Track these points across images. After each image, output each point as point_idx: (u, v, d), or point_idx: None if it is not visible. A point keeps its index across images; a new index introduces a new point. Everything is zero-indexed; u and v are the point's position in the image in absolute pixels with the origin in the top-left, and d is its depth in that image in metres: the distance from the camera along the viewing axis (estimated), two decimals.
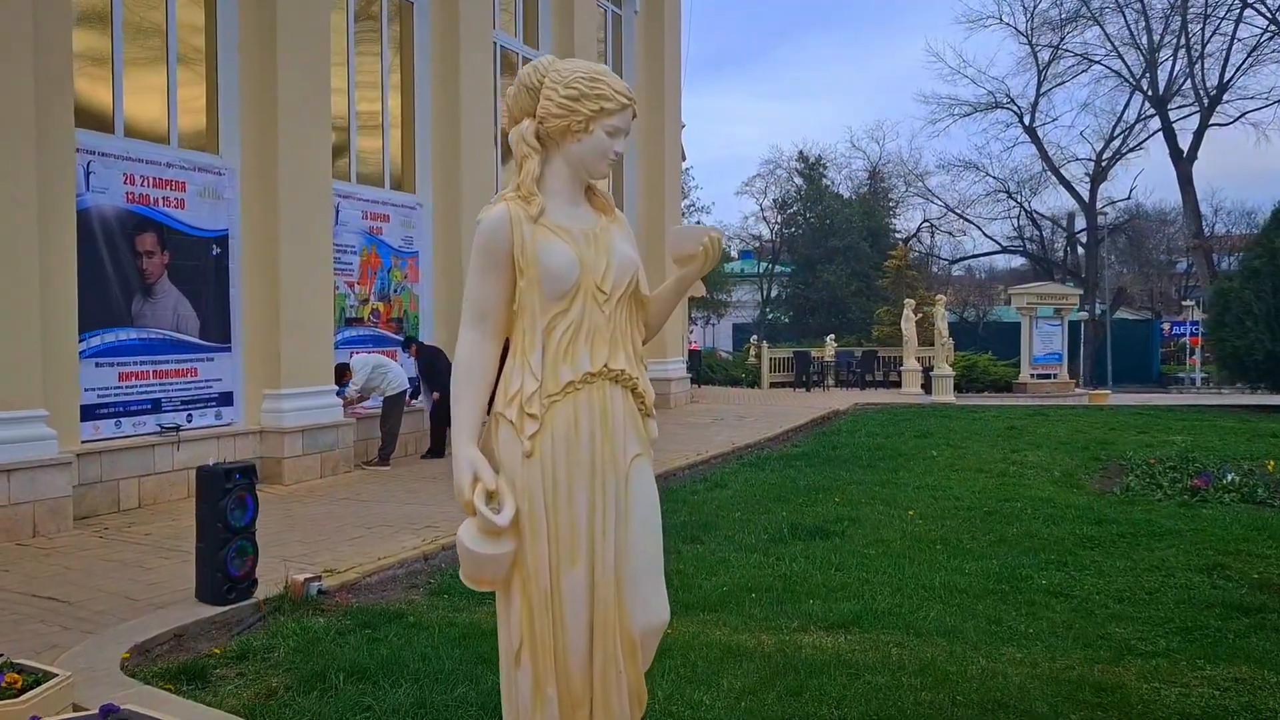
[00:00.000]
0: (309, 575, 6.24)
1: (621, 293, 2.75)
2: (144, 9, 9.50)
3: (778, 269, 49.59)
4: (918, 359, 24.54)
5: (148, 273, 9.25)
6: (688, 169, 43.30)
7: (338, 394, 10.97)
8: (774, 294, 49.67)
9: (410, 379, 11.99)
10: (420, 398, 12.54)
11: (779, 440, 14.83)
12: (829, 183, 49.92)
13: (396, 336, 12.45)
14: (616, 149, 2.75)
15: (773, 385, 27.00)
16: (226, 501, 5.82)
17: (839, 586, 6.44)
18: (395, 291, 12.55)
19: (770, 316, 49.22)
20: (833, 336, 29.80)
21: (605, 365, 2.73)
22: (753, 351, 30.37)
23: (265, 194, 10.13)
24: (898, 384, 25.53)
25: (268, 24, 10.07)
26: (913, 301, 25.00)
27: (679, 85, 19.78)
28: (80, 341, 8.56)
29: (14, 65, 7.68)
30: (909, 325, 23.91)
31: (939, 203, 48.74)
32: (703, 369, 26.81)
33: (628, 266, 2.77)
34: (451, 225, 12.99)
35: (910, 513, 8.88)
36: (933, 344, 23.83)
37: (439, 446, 12.01)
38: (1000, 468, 11.72)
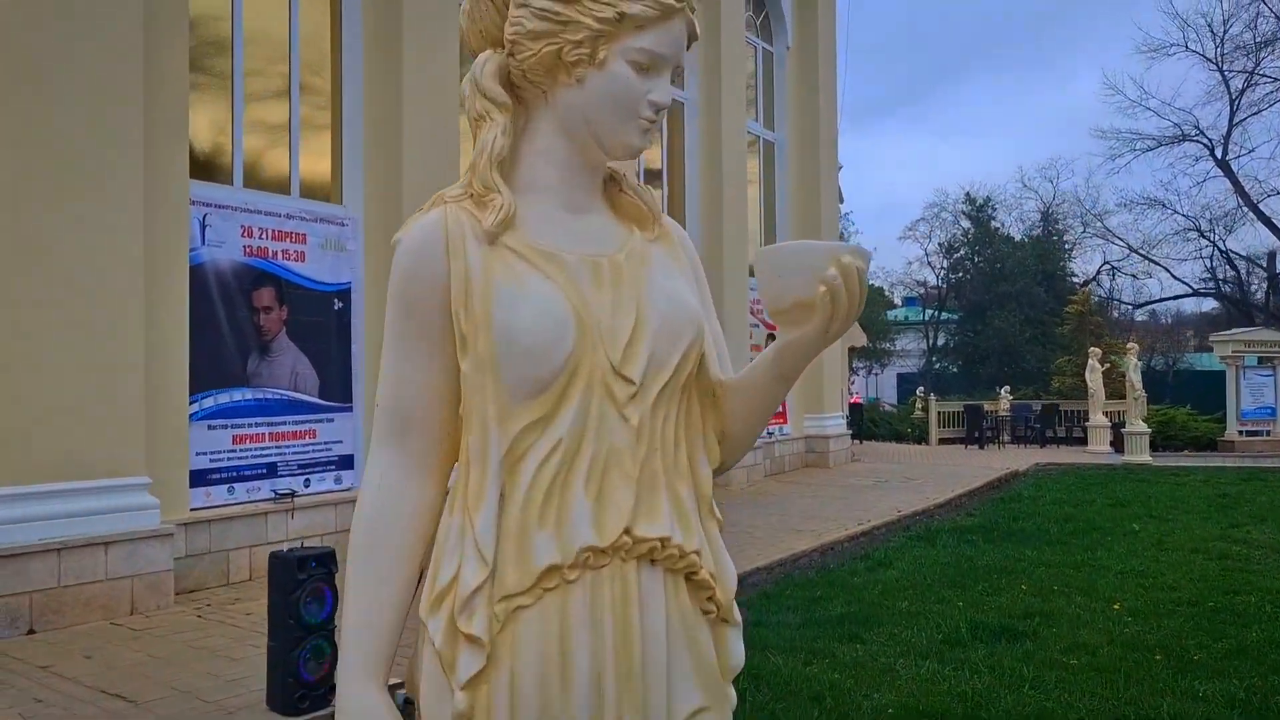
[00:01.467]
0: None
1: (667, 380, 1.49)
2: (265, 58, 9.16)
3: (945, 316, 47.33)
4: (1104, 413, 22.33)
5: (265, 329, 8.78)
6: (847, 213, 41.97)
7: None
8: (941, 342, 47.36)
9: None
10: None
11: (951, 507, 13.33)
12: (999, 225, 47.47)
13: None
14: (655, 97, 1.50)
15: (942, 441, 25.14)
16: (300, 594, 5.03)
17: (1037, 715, 5.13)
18: None
19: (938, 366, 46.89)
20: (1007, 389, 27.65)
21: (628, 530, 1.45)
22: (919, 405, 28.55)
23: (390, 246, 9.55)
24: (1082, 441, 23.31)
25: (393, 71, 9.58)
26: (1098, 351, 22.82)
27: (835, 124, 18.67)
28: (192, 403, 8.10)
29: (125, 116, 7.32)
30: (1094, 376, 21.77)
31: (1120, 243, 45.44)
32: (864, 424, 25.25)
33: (679, 327, 1.51)
34: None
35: (1115, 606, 7.42)
36: (1121, 396, 21.63)
37: None
38: (1220, 547, 9.96)
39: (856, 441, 22.18)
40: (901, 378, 49.00)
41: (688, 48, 1.55)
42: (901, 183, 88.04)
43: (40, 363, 6.82)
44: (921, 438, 25.93)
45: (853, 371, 40.17)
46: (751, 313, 16.10)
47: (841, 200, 23.53)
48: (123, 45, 7.32)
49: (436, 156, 9.84)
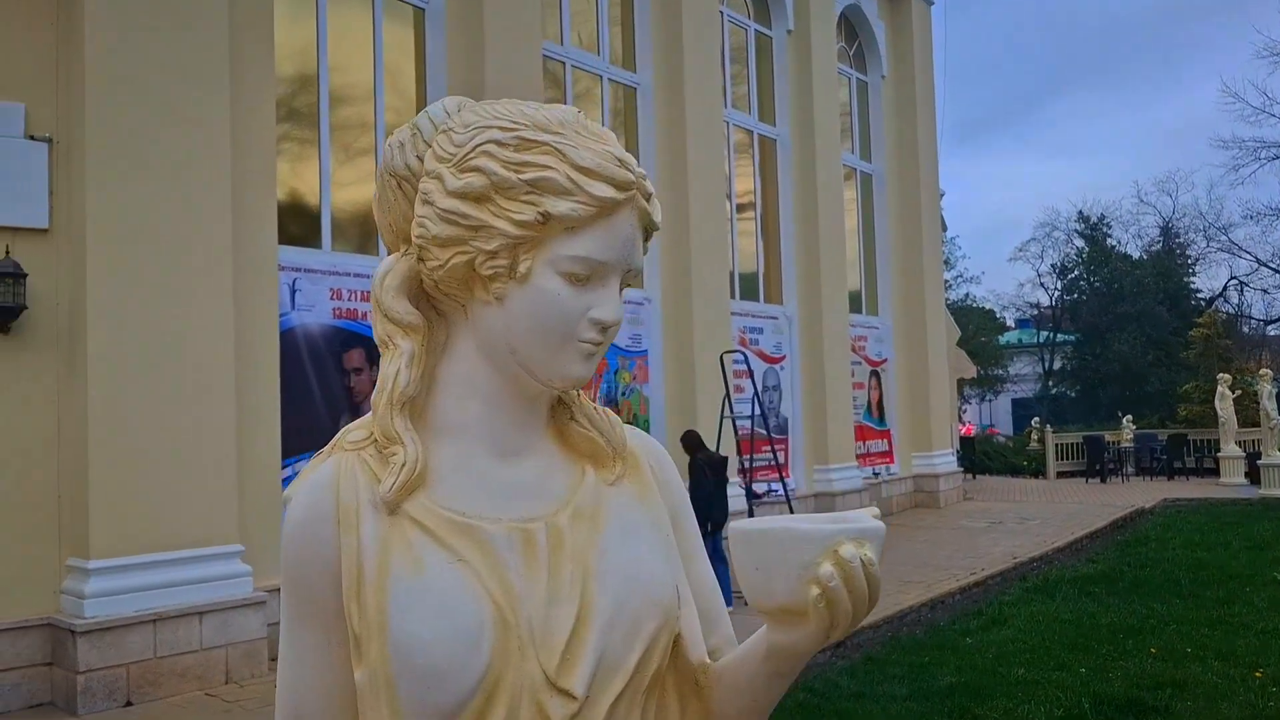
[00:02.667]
0: None
1: (624, 688, 1.13)
2: (350, 123, 9.26)
3: (1060, 338, 45.64)
4: (1237, 443, 21.03)
5: (356, 391, 8.79)
6: (952, 238, 40.95)
7: None
8: (1057, 366, 45.63)
9: None
10: None
11: (1071, 552, 12.61)
12: (1115, 243, 45.65)
13: None
14: (597, 313, 1.15)
15: (1060, 475, 24.04)
16: None
17: None
18: (623, 394, 11.67)
19: (1054, 390, 45.16)
20: (1129, 418, 26.35)
21: None
22: (1035, 436, 27.43)
23: None
24: (1214, 472, 21.99)
25: None
26: (1228, 377, 21.54)
27: (935, 152, 18.14)
28: (284, 468, 8.13)
29: (212, 182, 7.44)
30: (1225, 404, 20.55)
31: (1248, 257, 43.18)
32: (977, 458, 24.33)
33: (640, 614, 1.16)
34: (684, 321, 12.01)
35: (1258, 674, 6.79)
36: (1255, 424, 20.33)
37: None
38: None
39: (969, 477, 21.36)
40: (1016, 404, 47.37)
41: (647, 240, 1.19)
42: (1010, 202, 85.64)
43: (133, 433, 6.91)
44: (1038, 471, 24.87)
45: (963, 400, 38.99)
46: (853, 349, 15.66)
47: (944, 228, 22.89)
48: (212, 118, 7.45)
49: None
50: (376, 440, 1.16)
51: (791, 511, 11.05)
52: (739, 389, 11.91)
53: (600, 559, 1.16)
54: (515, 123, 1.13)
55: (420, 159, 1.16)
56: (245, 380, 7.65)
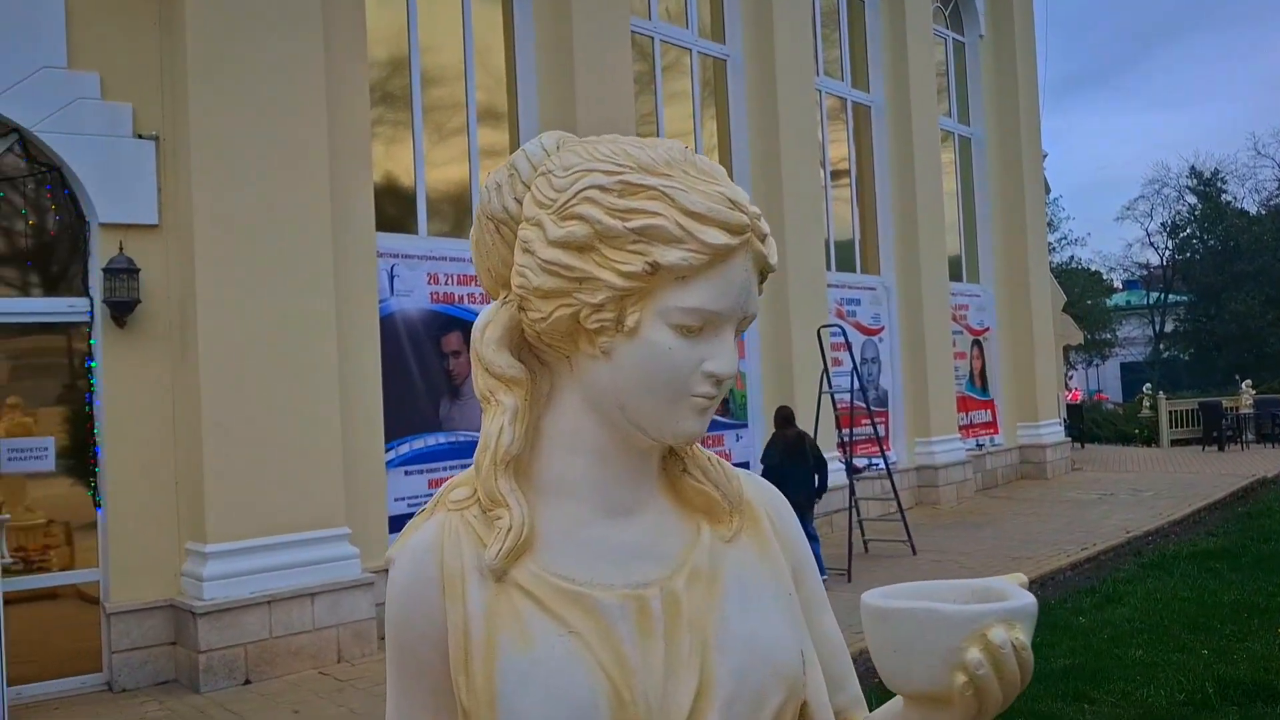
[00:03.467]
0: None
1: None
2: (443, 107, 9.33)
3: (1172, 299, 43.87)
4: None
5: (455, 374, 8.91)
6: (1055, 199, 39.58)
7: None
8: (1169, 329, 43.91)
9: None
10: None
11: (1188, 525, 12.14)
12: (1230, 198, 43.62)
13: (723, 419, 11.45)
14: (712, 367, 1.07)
15: (1174, 443, 23.14)
16: None
17: None
18: None
19: (1166, 354, 43.51)
20: (1248, 382, 25.20)
21: None
22: (1147, 403, 26.47)
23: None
24: None
25: (568, 114, 9.56)
26: None
27: (1037, 114, 17.51)
28: (387, 450, 8.29)
29: (311, 174, 7.58)
30: None
31: None
32: (1085, 425, 23.57)
33: (765, 687, 1.09)
34: (780, 294, 11.85)
35: None
36: None
37: None
38: None
39: (1077, 446, 20.72)
40: (1125, 368, 45.78)
41: (762, 283, 1.12)
42: (1116, 159, 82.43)
43: (243, 420, 7.11)
44: (1151, 439, 23.98)
45: (1070, 366, 37.82)
46: (954, 318, 15.28)
47: (1048, 190, 22.15)
48: (308, 110, 7.57)
49: None
50: (483, 503, 1.10)
51: (893, 485, 10.87)
52: (837, 362, 11.73)
53: (720, 627, 1.09)
54: (619, 165, 1.05)
55: (519, 201, 1.09)
56: (348, 366, 7.80)
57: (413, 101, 9.00)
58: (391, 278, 8.52)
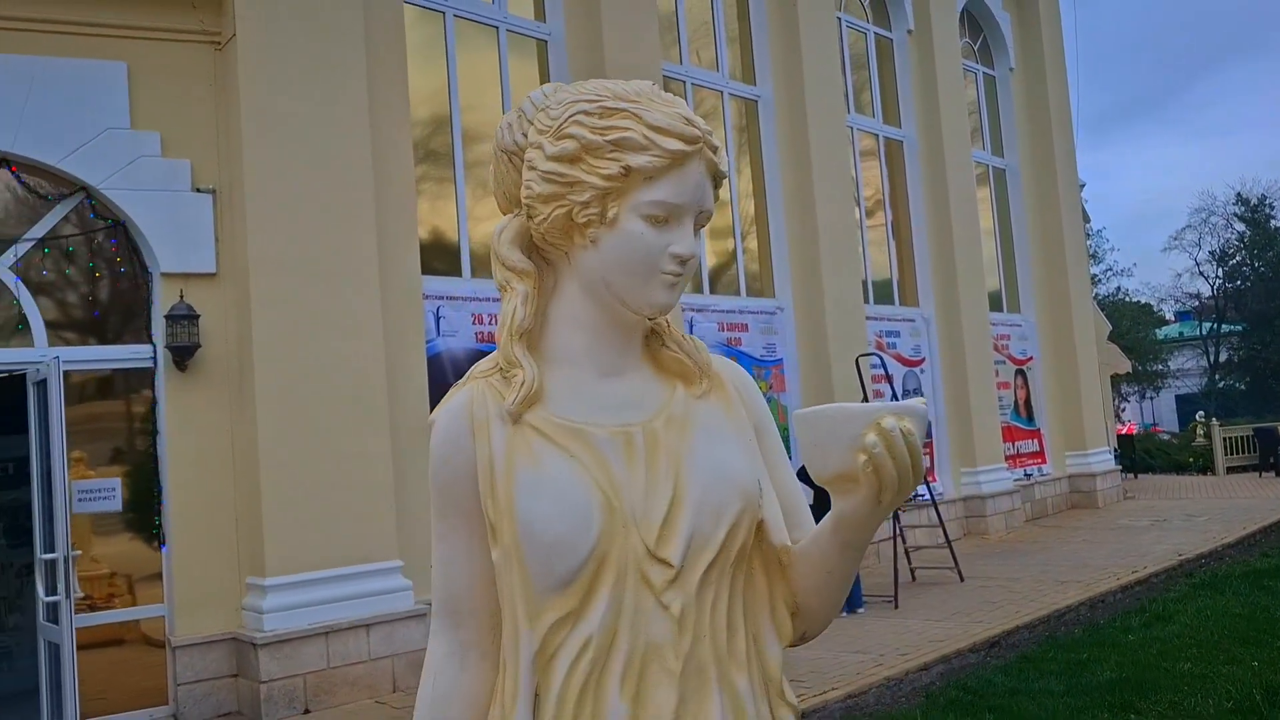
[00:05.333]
0: None
1: (713, 559, 1.36)
2: (484, 163, 9.67)
3: (1225, 329, 43.22)
4: None
5: None
6: (1098, 231, 39.41)
7: None
8: (1223, 358, 43.21)
9: None
10: None
11: (1243, 547, 11.99)
12: (1279, 224, 43.02)
13: None
14: (676, 249, 1.38)
15: (1231, 470, 22.74)
16: None
17: None
18: None
19: (1221, 385, 42.76)
20: None
21: None
22: (1201, 431, 26.06)
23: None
24: None
25: None
26: None
27: (1071, 143, 17.57)
28: None
29: (358, 223, 7.91)
30: None
31: None
32: (1138, 456, 23.27)
33: (725, 498, 1.37)
34: (818, 327, 12.02)
35: None
36: None
37: None
38: None
39: (1129, 476, 20.47)
40: (1181, 400, 45.05)
41: (717, 187, 1.42)
42: (1161, 189, 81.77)
43: (299, 458, 7.39)
44: (1206, 468, 23.59)
45: (1122, 399, 37.32)
46: (996, 348, 15.31)
47: (1087, 220, 22.12)
48: (355, 163, 7.93)
49: None
50: (501, 368, 1.40)
51: (938, 514, 10.91)
52: (878, 394, 11.83)
53: (690, 455, 1.37)
54: (599, 95, 1.38)
55: (525, 135, 1.41)
56: (397, 404, 8.07)
57: (455, 157, 9.35)
58: (438, 319, 8.82)
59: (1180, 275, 57.34)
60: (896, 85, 14.52)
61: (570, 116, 1.36)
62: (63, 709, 6.67)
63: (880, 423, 1.22)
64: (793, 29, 12.27)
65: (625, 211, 1.35)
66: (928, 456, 13.26)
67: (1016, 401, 16.02)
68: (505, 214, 1.49)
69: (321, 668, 7.28)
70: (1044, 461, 16.28)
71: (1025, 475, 15.58)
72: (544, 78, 10.07)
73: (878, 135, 14.25)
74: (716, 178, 1.42)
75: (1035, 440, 16.23)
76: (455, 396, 1.44)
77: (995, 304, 15.76)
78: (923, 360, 14.14)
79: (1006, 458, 14.94)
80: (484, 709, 1.43)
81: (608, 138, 1.33)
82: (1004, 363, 15.72)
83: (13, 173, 7.22)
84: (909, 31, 14.51)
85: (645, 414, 1.41)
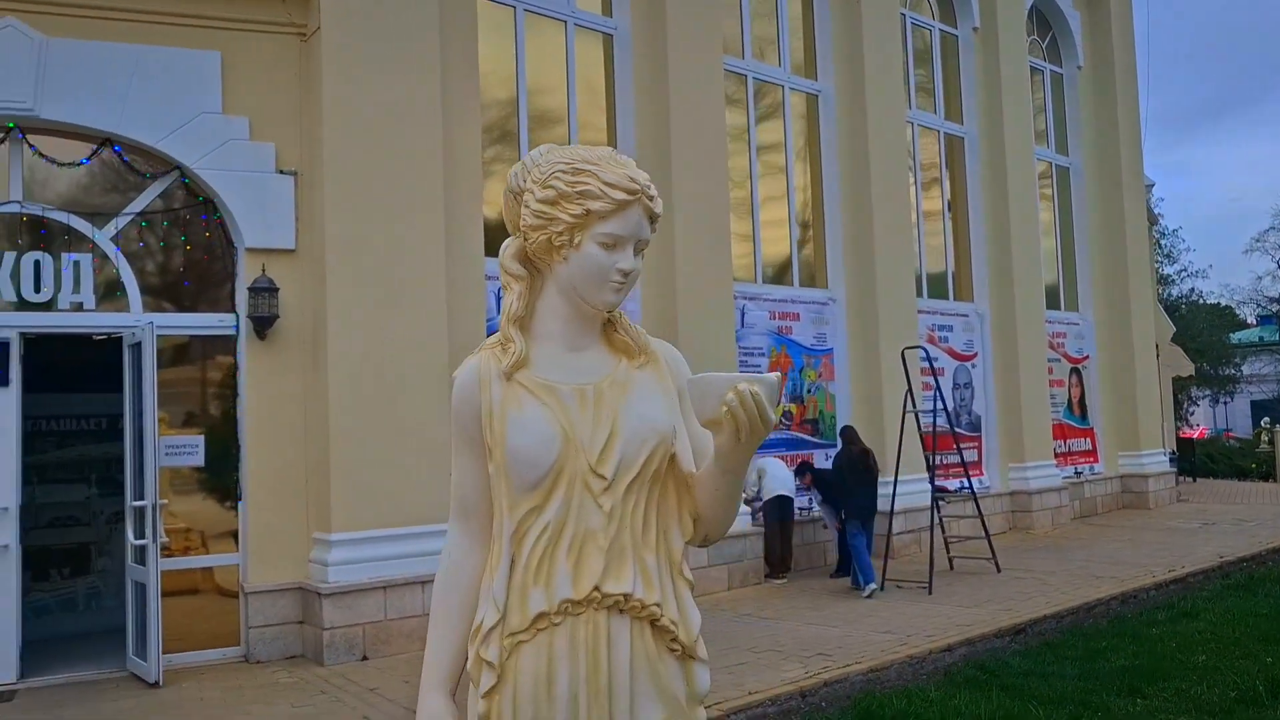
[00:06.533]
0: None
1: (634, 476, 1.96)
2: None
3: None
4: None
5: None
6: (1173, 230, 38.65)
7: (746, 501, 10.65)
8: None
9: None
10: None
11: None
12: None
13: (812, 439, 11.91)
14: (620, 265, 1.97)
15: None
16: None
17: None
18: (809, 391, 12.07)
19: None
20: None
21: (596, 588, 1.94)
22: (1265, 437, 25.65)
23: (665, 298, 10.21)
24: None
25: (663, 150, 10.26)
26: None
27: (1138, 144, 17.48)
28: None
29: (428, 205, 8.40)
30: None
31: None
32: (1199, 460, 23.04)
33: (645, 435, 1.96)
34: (869, 319, 12.30)
35: None
36: None
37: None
38: None
39: (1188, 480, 20.34)
40: (1256, 406, 44.05)
41: (652, 225, 2.03)
42: (1245, 189, 79.34)
43: (365, 424, 7.94)
44: (1268, 474, 23.28)
45: (1192, 402, 36.66)
46: (1051, 346, 15.41)
47: (1153, 221, 21.91)
48: (426, 147, 8.44)
49: (704, 226, 10.40)
50: (501, 343, 2.00)
51: (977, 506, 11.14)
52: (927, 386, 12.06)
53: (625, 406, 1.97)
54: (572, 159, 1.97)
55: (524, 182, 2.02)
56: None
57: (520, 140, 9.83)
58: (498, 298, 9.31)
59: (1261, 278, 55.79)
60: (960, 82, 14.66)
61: (552, 173, 1.97)
62: (146, 644, 7.33)
63: (737, 386, 1.80)
64: (855, 25, 12.52)
65: (586, 239, 1.96)
66: (974, 450, 13.54)
67: (1070, 400, 16.10)
68: (510, 235, 2.10)
69: (379, 619, 7.85)
70: (1095, 460, 16.35)
71: (1075, 473, 15.67)
72: (609, 71, 10.49)
73: (938, 131, 14.41)
74: (653, 217, 2.02)
75: (1087, 439, 16.30)
76: (469, 361, 2.06)
77: (1053, 302, 15.84)
78: (975, 355, 14.32)
79: (1057, 455, 15.06)
80: (481, 572, 2.05)
81: (575, 189, 1.95)
82: (1059, 360, 15.81)
83: (116, 153, 7.86)
84: (974, 29, 14.62)
85: (597, 377, 2.02)
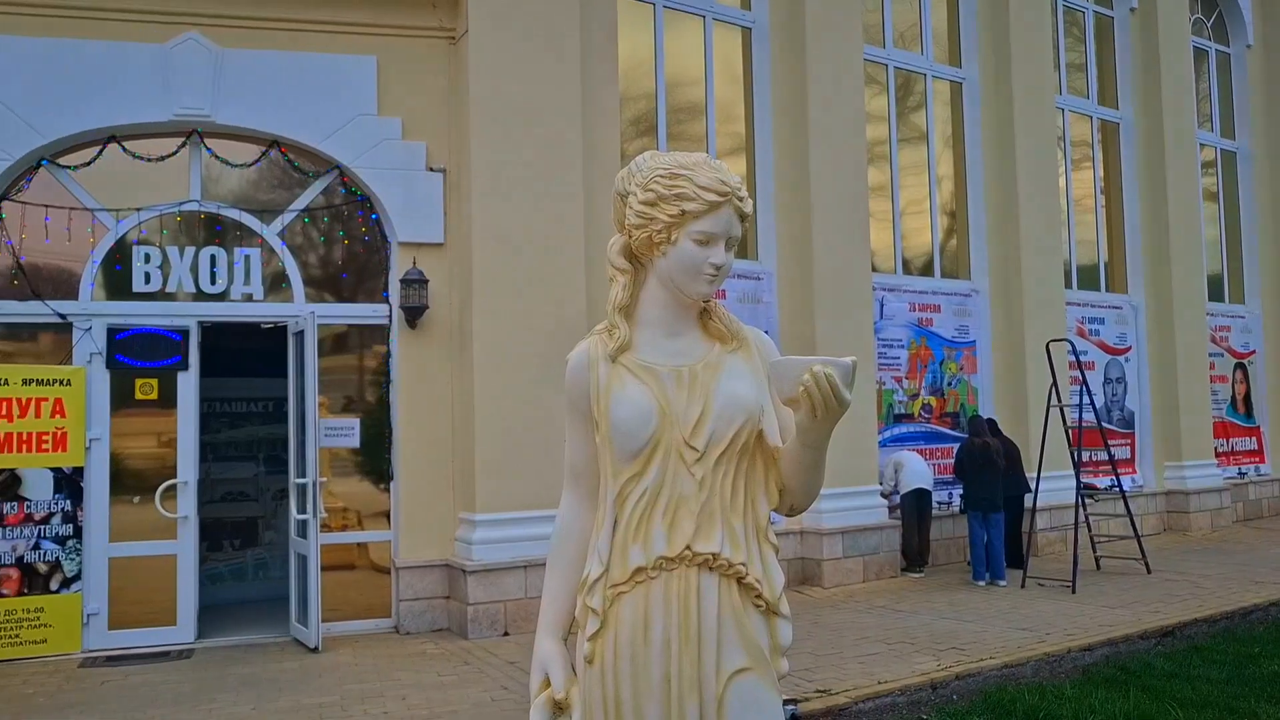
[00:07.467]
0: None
1: (724, 449, 2.17)
2: (686, 139, 10.30)
3: None
4: None
5: None
6: None
7: (882, 494, 10.59)
8: None
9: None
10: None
11: None
12: None
13: (952, 432, 11.72)
14: (713, 260, 2.18)
15: None
16: None
17: None
18: (949, 384, 11.88)
19: None
20: None
21: (688, 547, 2.17)
22: None
23: (803, 289, 10.24)
24: None
25: (800, 145, 10.29)
26: None
27: None
28: None
29: (569, 200, 8.68)
30: None
31: None
32: None
33: (734, 413, 2.17)
34: (1013, 311, 12.02)
35: None
36: None
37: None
38: None
39: None
40: None
41: (744, 222, 2.26)
42: None
43: (509, 410, 8.26)
44: None
45: None
46: (1214, 340, 14.70)
47: None
48: (567, 144, 8.73)
49: (843, 217, 10.37)
50: (608, 329, 2.23)
51: (1126, 505, 10.76)
52: (1075, 380, 11.70)
53: (716, 386, 2.16)
54: (669, 165, 2.19)
55: (629, 185, 2.24)
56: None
57: (659, 134, 10.03)
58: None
59: None
60: (1115, 65, 14.10)
61: (652, 178, 2.21)
62: (308, 612, 7.87)
63: (813, 368, 2.00)
64: (1002, 9, 12.22)
65: (682, 236, 2.18)
66: (1126, 447, 13.08)
67: (1234, 396, 15.31)
68: (616, 233, 2.33)
69: (520, 597, 8.18)
70: (1262, 461, 15.50)
71: (1239, 474, 14.92)
72: (747, 64, 10.57)
73: (1091, 116, 13.92)
74: (743, 216, 2.25)
75: (1253, 438, 15.47)
76: (581, 345, 2.34)
77: (1216, 293, 15.10)
78: (1128, 349, 13.79)
79: (1218, 454, 14.36)
80: (589, 531, 2.33)
81: (673, 192, 2.18)
82: (1222, 356, 15.06)
83: (281, 153, 8.43)
84: (1132, 10, 14.05)
85: (692, 360, 2.26)
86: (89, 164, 8.02)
